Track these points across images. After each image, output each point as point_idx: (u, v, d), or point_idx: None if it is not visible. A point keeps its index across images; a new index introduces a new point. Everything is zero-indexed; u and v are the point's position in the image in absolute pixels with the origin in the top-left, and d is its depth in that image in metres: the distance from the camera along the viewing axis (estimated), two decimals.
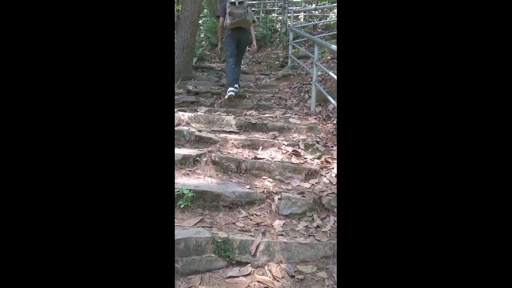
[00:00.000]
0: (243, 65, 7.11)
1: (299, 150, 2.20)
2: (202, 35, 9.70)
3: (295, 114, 3.04)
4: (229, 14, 3.12)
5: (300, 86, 3.85)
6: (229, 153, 2.06)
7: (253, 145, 2.21)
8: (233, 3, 3.11)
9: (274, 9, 10.38)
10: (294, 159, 2.07)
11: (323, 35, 5.46)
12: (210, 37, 9.21)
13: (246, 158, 1.97)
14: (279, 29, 8.08)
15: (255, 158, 2.00)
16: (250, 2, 10.85)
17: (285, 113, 3.09)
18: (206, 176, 1.79)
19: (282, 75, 4.43)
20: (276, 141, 2.28)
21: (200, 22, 11.14)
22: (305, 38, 5.04)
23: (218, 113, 2.94)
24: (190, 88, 3.58)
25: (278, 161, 1.99)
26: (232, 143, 2.20)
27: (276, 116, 2.94)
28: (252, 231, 1.43)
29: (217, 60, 8.38)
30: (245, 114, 2.96)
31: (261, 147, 2.19)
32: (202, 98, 3.34)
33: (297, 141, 2.32)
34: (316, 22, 7.88)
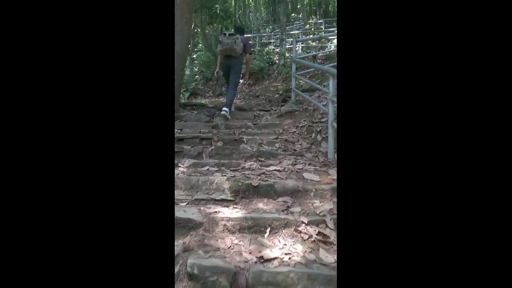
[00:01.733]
0: (239, 99, 6.56)
1: (328, 232, 1.42)
2: (196, 69, 9.29)
3: (309, 165, 2.30)
4: (219, 43, 3.71)
5: (309, 125, 3.15)
6: (218, 248, 1.27)
7: (256, 228, 1.43)
8: (224, 34, 3.73)
9: (271, 42, 10.13)
10: (323, 254, 1.29)
11: (328, 65, 4.94)
12: (204, 71, 8.79)
13: (246, 262, 1.18)
14: (277, 61, 7.66)
15: (261, 259, 1.21)
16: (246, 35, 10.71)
17: (295, 163, 2.35)
18: None
19: (285, 111, 3.76)
20: (290, 216, 1.51)
21: (194, 56, 10.87)
22: (308, 70, 4.47)
23: (206, 168, 2.19)
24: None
25: (299, 262, 1.20)
26: (224, 225, 1.43)
27: (284, 168, 2.19)
28: None
29: (211, 95, 7.85)
30: (242, 168, 2.22)
31: (268, 231, 1.42)
32: (187, 146, 2.61)
33: (321, 214, 1.55)
34: (315, 52, 7.51)
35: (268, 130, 3.30)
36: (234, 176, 1.99)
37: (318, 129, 2.98)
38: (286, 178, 2.02)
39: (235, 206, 1.65)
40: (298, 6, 17.69)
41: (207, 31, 12.23)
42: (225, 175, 2.02)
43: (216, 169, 2.18)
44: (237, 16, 15.60)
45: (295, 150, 2.68)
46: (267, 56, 8.23)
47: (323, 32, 9.55)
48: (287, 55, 7.81)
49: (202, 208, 1.58)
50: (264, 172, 2.10)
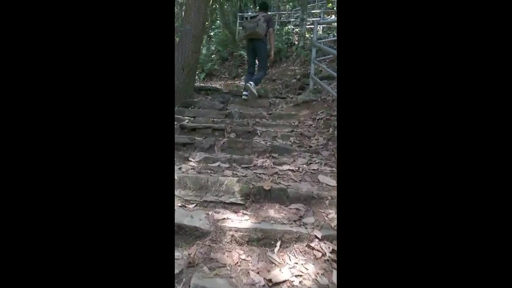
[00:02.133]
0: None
1: None
2: (212, 48, 9.04)
3: (325, 165, 2.17)
4: (242, 27, 3.82)
5: (327, 118, 2.98)
6: (224, 265, 1.20)
7: (266, 240, 1.35)
8: (246, 18, 4.03)
9: (290, 21, 9.64)
10: (336, 278, 1.19)
11: None
12: (221, 51, 8.53)
13: (253, 285, 1.10)
14: (296, 43, 7.30)
15: (270, 283, 1.12)
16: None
17: (310, 162, 2.23)
18: None
19: (302, 100, 3.58)
20: (302, 229, 1.41)
21: (211, 34, 10.56)
22: (329, 56, 4.20)
23: (217, 164, 2.11)
24: (185, 123, 2.78)
25: (310, 287, 1.12)
26: (232, 235, 1.35)
27: (298, 168, 2.08)
28: None
29: (227, 76, 7.64)
30: (254, 165, 2.12)
31: (279, 245, 1.33)
32: (199, 138, 2.53)
33: (336, 228, 1.45)
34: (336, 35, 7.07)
35: (283, 121, 3.16)
36: (245, 176, 1.90)
37: (336, 124, 2.81)
38: (300, 180, 1.91)
39: (244, 212, 1.57)
40: None
41: (226, 6, 11.78)
42: (236, 174, 1.93)
43: (227, 165, 2.10)
44: None
45: (310, 146, 2.55)
46: (286, 37, 7.86)
47: None
48: (307, 36, 7.43)
49: (210, 213, 1.51)
50: (277, 172, 2.00)
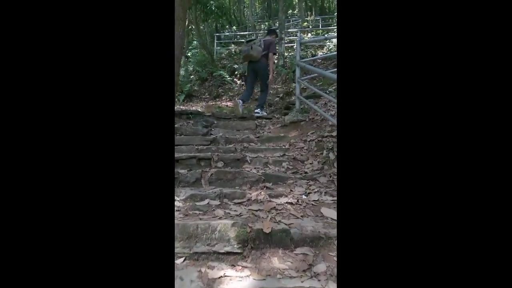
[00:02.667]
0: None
1: None
2: (191, 69, 8.86)
3: (325, 193, 1.98)
4: (240, 51, 4.05)
5: (319, 139, 2.83)
6: None
7: None
8: (244, 43, 4.15)
9: None
10: None
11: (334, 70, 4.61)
12: (199, 71, 8.38)
13: None
14: (276, 61, 7.29)
15: None
16: (242, 33, 10.27)
17: (309, 191, 2.03)
18: None
19: (290, 121, 3.43)
20: (315, 282, 1.19)
21: (189, 54, 10.43)
22: (312, 75, 4.12)
23: (206, 201, 1.86)
24: None
25: None
26: None
27: (297, 200, 1.87)
28: None
29: (207, 96, 7.45)
30: (248, 200, 1.89)
31: None
32: (182, 171, 2.27)
33: None
34: (315, 53, 7.12)
35: (273, 145, 2.97)
36: (240, 215, 1.67)
37: (330, 146, 2.66)
38: (301, 215, 1.70)
39: (244, 263, 1.32)
40: (294, 2, 17.30)
41: (202, 27, 11.78)
42: (228, 214, 1.69)
43: (217, 202, 1.85)
44: (231, 11, 15.15)
45: (306, 172, 2.36)
46: None
47: (320, 31, 9.20)
48: (285, 54, 7.46)
49: (203, 271, 1.25)
50: (274, 207, 1.78)
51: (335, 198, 1.91)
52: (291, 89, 5.82)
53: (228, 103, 6.23)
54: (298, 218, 1.66)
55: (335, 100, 2.82)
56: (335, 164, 2.44)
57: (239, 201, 1.88)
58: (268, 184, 2.16)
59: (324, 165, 2.47)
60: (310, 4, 16.62)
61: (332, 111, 3.35)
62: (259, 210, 1.75)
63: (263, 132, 3.41)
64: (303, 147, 2.85)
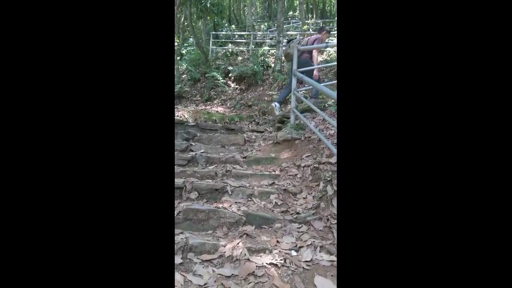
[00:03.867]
0: (229, 108, 5.77)
1: None
2: (183, 67, 8.37)
3: (321, 248, 1.55)
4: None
5: (315, 167, 2.40)
6: None
7: None
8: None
9: (265, 41, 9.26)
10: None
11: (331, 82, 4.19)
12: (192, 71, 7.89)
13: None
14: (273, 65, 6.85)
15: None
16: (241, 33, 9.81)
17: (298, 245, 1.60)
18: None
19: (283, 138, 3.00)
20: None
21: (184, 52, 9.93)
22: (309, 87, 3.69)
23: None
24: None
25: None
26: None
27: (285, 260, 1.44)
28: None
29: (198, 99, 6.97)
30: (220, 256, 1.44)
31: None
32: None
33: None
34: (321, 59, 6.67)
35: (261, 169, 2.53)
36: (205, 286, 1.23)
37: (328, 176, 2.23)
38: (288, 283, 1.27)
39: None
40: (295, 4, 16.90)
41: (199, 24, 11.28)
42: (190, 282, 1.24)
43: (179, 259, 1.40)
44: (230, 10, 14.67)
45: (298, 212, 1.92)
46: (262, 58, 7.42)
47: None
48: (283, 58, 7.03)
49: None
50: (253, 272, 1.34)
51: (333, 257, 1.48)
52: (287, 97, 5.39)
53: (219, 109, 5.78)
54: None
55: (332, 121, 2.39)
56: (334, 202, 2.01)
57: (209, 257, 1.44)
58: (249, 229, 1.73)
59: (320, 202, 2.04)
60: (311, 6, 16.23)
61: (332, 129, 2.92)
62: (232, 276, 1.31)
63: (251, 150, 2.97)
64: (296, 175, 2.42)
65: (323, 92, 2.71)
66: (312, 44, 3.82)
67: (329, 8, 16.88)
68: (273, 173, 2.44)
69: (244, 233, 1.67)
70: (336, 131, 2.78)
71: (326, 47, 3.97)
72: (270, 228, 1.76)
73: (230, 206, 1.90)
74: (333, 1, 16.54)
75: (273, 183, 2.29)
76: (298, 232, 1.72)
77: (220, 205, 1.88)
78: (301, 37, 4.25)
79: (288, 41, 4.11)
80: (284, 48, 4.17)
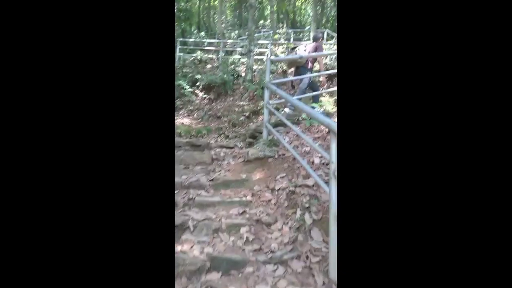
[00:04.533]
0: (196, 120, 5.42)
1: None
2: None
3: None
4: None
5: (291, 190, 2.14)
6: None
7: None
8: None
9: (236, 50, 9.04)
10: None
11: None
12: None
13: None
14: (243, 75, 6.61)
15: None
16: (210, 40, 9.52)
17: None
18: None
19: (255, 156, 2.72)
20: None
21: None
22: (282, 100, 3.47)
23: None
24: None
25: None
26: None
27: None
28: None
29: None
30: None
31: None
32: None
33: None
34: (293, 69, 6.53)
35: (230, 194, 2.23)
36: None
37: (305, 202, 1.98)
38: None
39: None
40: (266, 13, 16.99)
41: None
42: None
43: None
44: (200, 17, 14.34)
45: (272, 251, 1.64)
46: (232, 67, 7.16)
47: (292, 44, 8.77)
48: (254, 67, 6.83)
49: None
50: None
51: None
52: (258, 108, 5.15)
53: (185, 120, 5.40)
54: None
55: (306, 137, 2.16)
56: (313, 233, 1.76)
57: None
58: (215, 277, 1.41)
59: (297, 234, 1.78)
60: (281, 16, 16.37)
61: (307, 146, 2.70)
62: None
63: (220, 170, 2.66)
64: (270, 200, 2.14)
65: (296, 106, 2.49)
66: (314, 51, 4.11)
67: (299, 18, 17.16)
68: (244, 199, 2.15)
69: (208, 285, 1.35)
70: (312, 148, 2.56)
71: (300, 57, 3.82)
72: (240, 274, 1.46)
73: (191, 248, 1.57)
74: (303, 11, 16.86)
75: (244, 211, 2.00)
76: (274, 277, 1.44)
77: (179, 248, 1.55)
78: (300, 46, 4.50)
79: (291, 49, 4.63)
80: (288, 56, 4.47)
